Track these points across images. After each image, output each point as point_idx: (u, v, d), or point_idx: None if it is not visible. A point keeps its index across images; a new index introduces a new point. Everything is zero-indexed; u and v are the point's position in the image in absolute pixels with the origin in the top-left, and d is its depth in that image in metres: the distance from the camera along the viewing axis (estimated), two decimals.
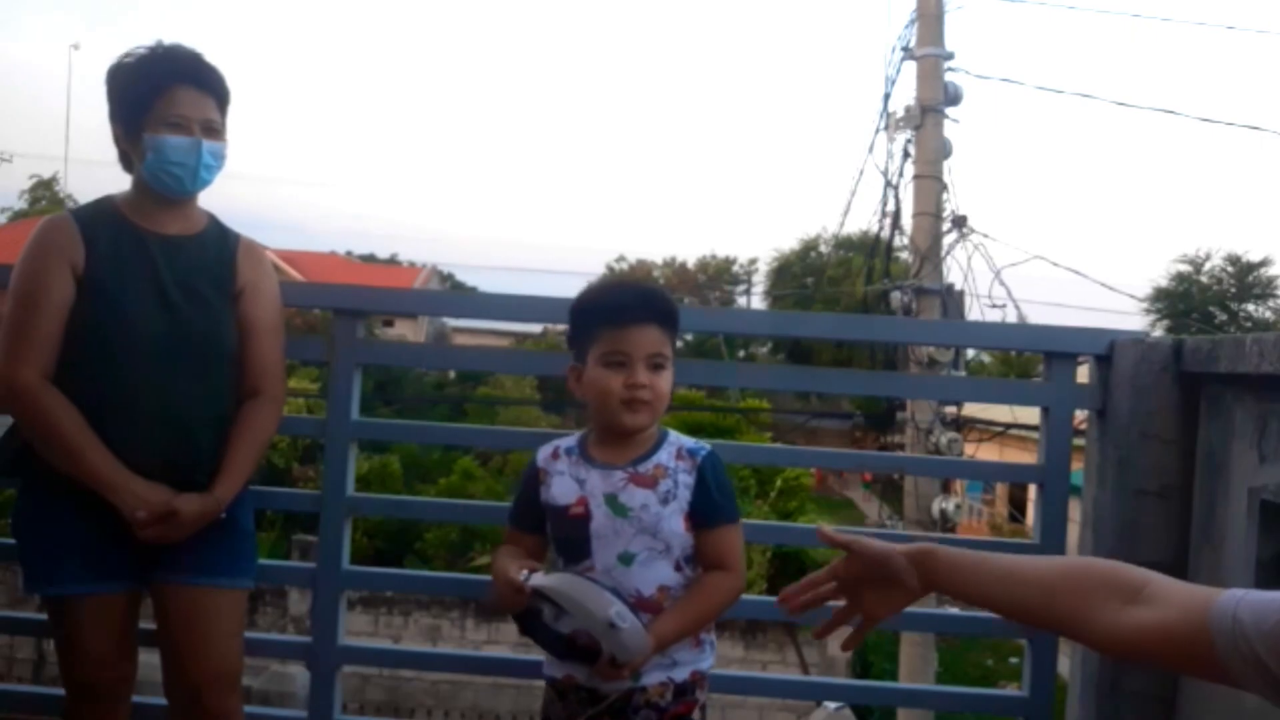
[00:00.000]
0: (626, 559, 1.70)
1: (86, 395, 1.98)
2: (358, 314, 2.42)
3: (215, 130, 2.09)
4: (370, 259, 46.89)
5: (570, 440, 1.83)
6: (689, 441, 1.76)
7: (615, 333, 1.71)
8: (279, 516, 14.71)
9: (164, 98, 2.04)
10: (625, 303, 1.75)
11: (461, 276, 44.67)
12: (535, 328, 32.66)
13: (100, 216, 2.09)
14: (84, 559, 2.02)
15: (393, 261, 46.96)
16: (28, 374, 1.97)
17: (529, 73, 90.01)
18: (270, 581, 2.76)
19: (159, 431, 2.01)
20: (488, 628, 13.75)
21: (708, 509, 1.72)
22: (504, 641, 13.58)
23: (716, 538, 1.73)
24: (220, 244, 2.15)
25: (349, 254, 46.17)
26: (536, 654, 1.82)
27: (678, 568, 1.72)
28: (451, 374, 24.32)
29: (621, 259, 44.49)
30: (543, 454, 1.81)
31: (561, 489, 1.75)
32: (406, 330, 31.51)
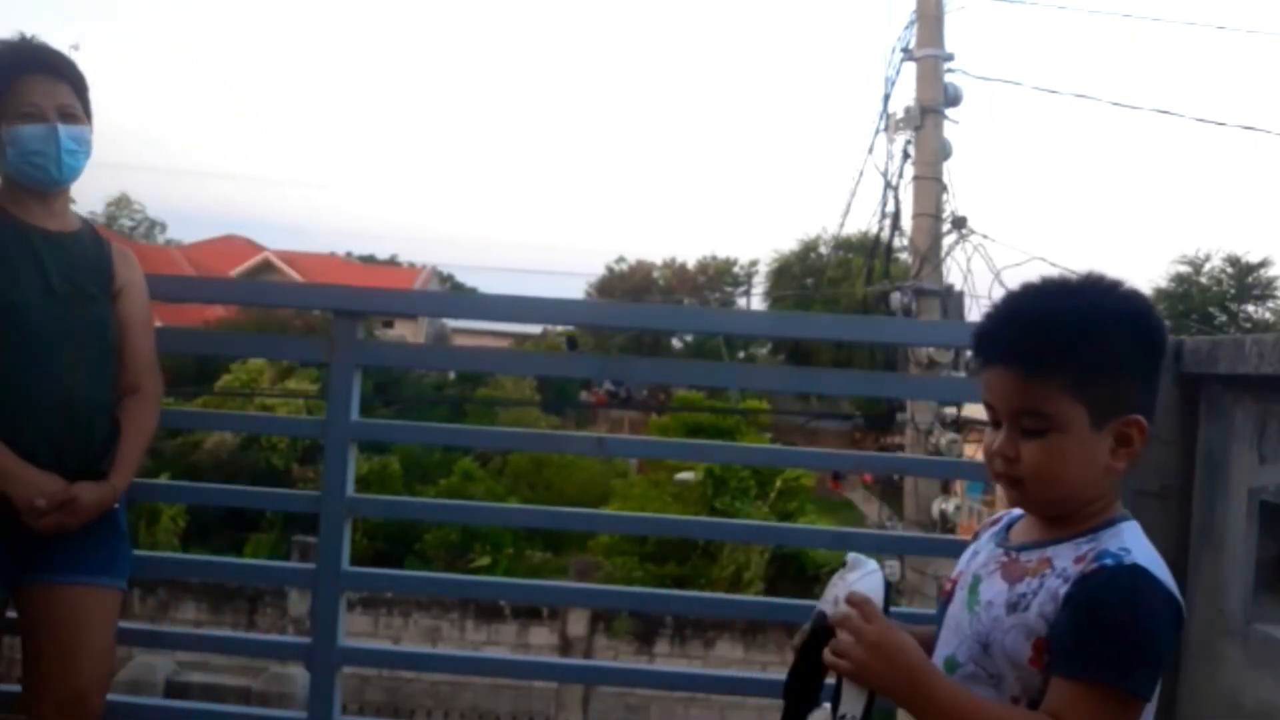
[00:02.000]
0: (950, 666, 1.27)
1: None
2: (357, 315, 2.42)
3: (73, 115, 2.08)
4: (370, 260, 46.93)
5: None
6: (1117, 544, 1.20)
7: (981, 375, 1.28)
8: (279, 517, 14.73)
9: (14, 90, 2.03)
10: (980, 332, 1.28)
11: (461, 277, 44.71)
12: (535, 329, 32.69)
13: None
14: None
15: (392, 262, 46.98)
16: None
17: (529, 73, 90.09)
18: (270, 582, 2.76)
19: (52, 420, 2.01)
20: (487, 628, 13.77)
21: (1063, 646, 1.16)
22: (503, 643, 13.60)
23: (1060, 695, 1.15)
24: (97, 244, 2.17)
25: (349, 255, 46.22)
26: (534, 655, 1.81)
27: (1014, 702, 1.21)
28: (451, 375, 24.33)
29: (621, 260, 44.52)
30: (988, 519, 1.45)
31: (963, 558, 1.38)
32: (406, 331, 31.54)
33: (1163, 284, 33.26)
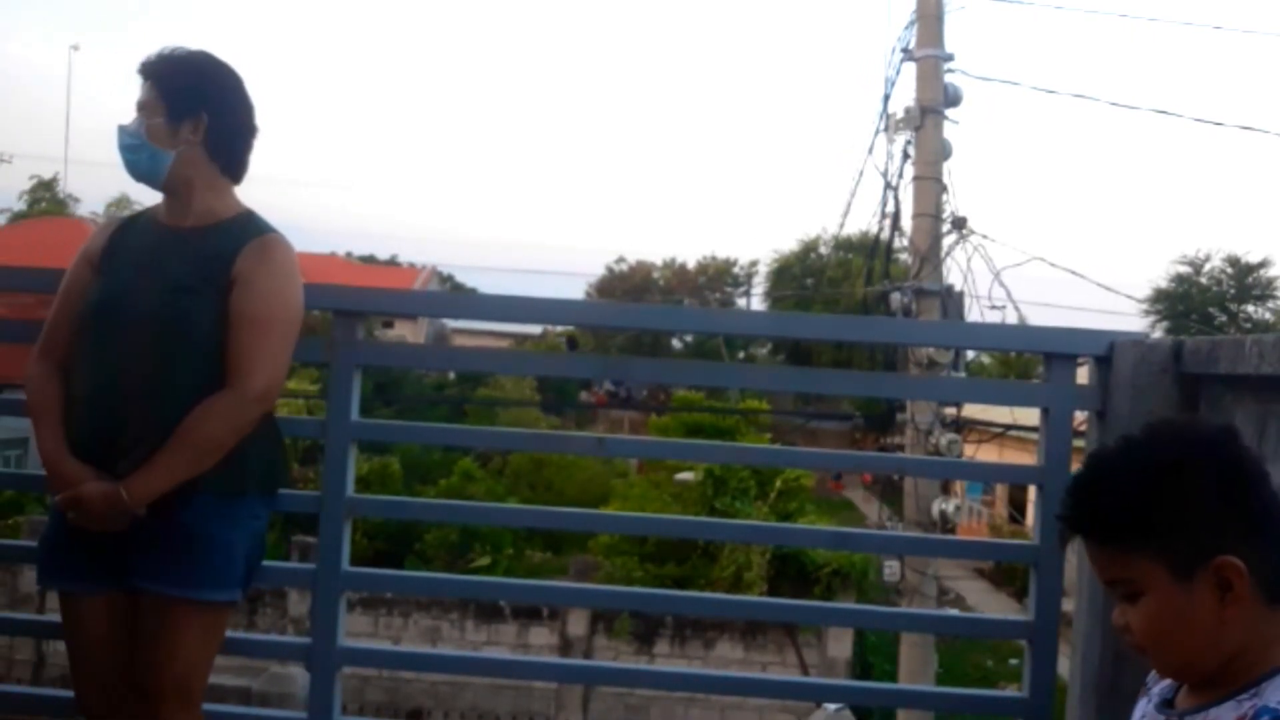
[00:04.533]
0: None
1: (69, 379, 2.07)
2: (357, 315, 2.41)
3: (142, 109, 2.10)
4: (370, 260, 46.92)
5: None
6: (1276, 698, 1.12)
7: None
8: (279, 517, 14.72)
9: None
10: (1061, 506, 1.26)
11: (461, 278, 44.71)
12: (535, 329, 32.70)
13: (141, 216, 2.20)
14: (68, 556, 2.03)
15: (392, 262, 46.98)
16: (33, 364, 2.09)
17: (529, 73, 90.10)
18: (270, 583, 2.76)
19: (91, 410, 2.02)
20: (487, 628, 13.77)
21: None
22: (503, 643, 13.60)
23: None
24: (231, 236, 2.09)
25: (349, 255, 46.21)
26: (534, 655, 1.80)
27: None
28: (451, 375, 24.33)
29: (621, 260, 44.53)
30: None
31: (1135, 716, 1.33)
32: (406, 331, 31.55)
33: (1163, 284, 33.27)
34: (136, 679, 2.03)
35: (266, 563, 2.28)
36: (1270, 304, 32.86)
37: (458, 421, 19.57)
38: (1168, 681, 1.28)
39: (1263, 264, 32.76)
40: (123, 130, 2.10)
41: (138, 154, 2.09)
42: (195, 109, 2.09)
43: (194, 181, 2.10)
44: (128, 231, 2.15)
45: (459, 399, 22.26)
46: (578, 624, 13.61)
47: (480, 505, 3.15)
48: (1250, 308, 32.82)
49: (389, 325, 30.61)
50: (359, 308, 2.42)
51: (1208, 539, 1.15)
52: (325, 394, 2.39)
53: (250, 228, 2.12)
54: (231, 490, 2.05)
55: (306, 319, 2.18)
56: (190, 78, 2.11)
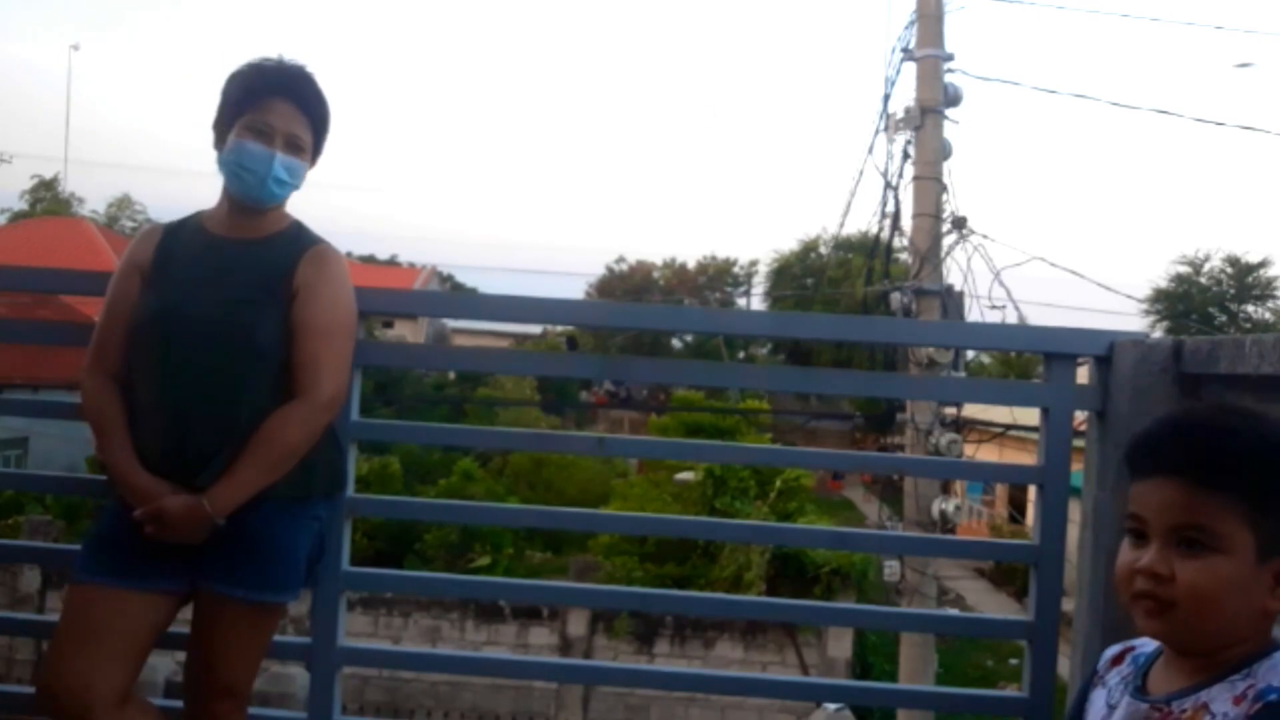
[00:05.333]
0: None
1: (129, 391, 2.06)
2: (360, 315, 2.41)
3: (299, 148, 2.11)
4: (370, 260, 46.96)
5: (1151, 644, 1.26)
6: (1275, 679, 1.10)
7: (1134, 487, 1.20)
8: None
9: (258, 106, 2.08)
10: (1143, 439, 1.21)
11: (461, 277, 44.81)
12: (535, 329, 32.72)
13: (185, 224, 2.16)
14: (128, 555, 2.00)
15: (392, 263, 47.00)
16: (88, 376, 2.07)
17: (531, 73, 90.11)
18: None
19: (157, 422, 2.01)
20: (487, 628, 13.77)
21: None
22: (503, 643, 13.60)
23: None
24: (287, 247, 2.12)
25: (349, 255, 46.12)
26: (534, 655, 1.79)
27: None
28: (451, 375, 24.33)
29: (621, 260, 44.57)
30: (1108, 652, 1.33)
31: (1094, 710, 1.28)
32: (406, 331, 31.56)
33: (1162, 284, 33.30)
34: (189, 678, 2.06)
35: None
36: (1270, 304, 32.94)
37: (458, 421, 19.58)
38: (1125, 669, 1.26)
39: (1262, 264, 32.87)
40: (293, 167, 2.10)
41: (284, 189, 2.11)
42: (319, 151, 2.18)
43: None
44: (174, 240, 2.12)
45: (459, 399, 22.26)
46: (578, 624, 13.61)
47: (480, 505, 3.14)
48: (1250, 307, 32.88)
49: (389, 325, 30.61)
50: (359, 308, 2.41)
51: None
52: None
53: (303, 238, 2.16)
54: (299, 495, 2.09)
55: None
56: (328, 116, 2.16)
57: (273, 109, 2.08)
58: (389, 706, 12.94)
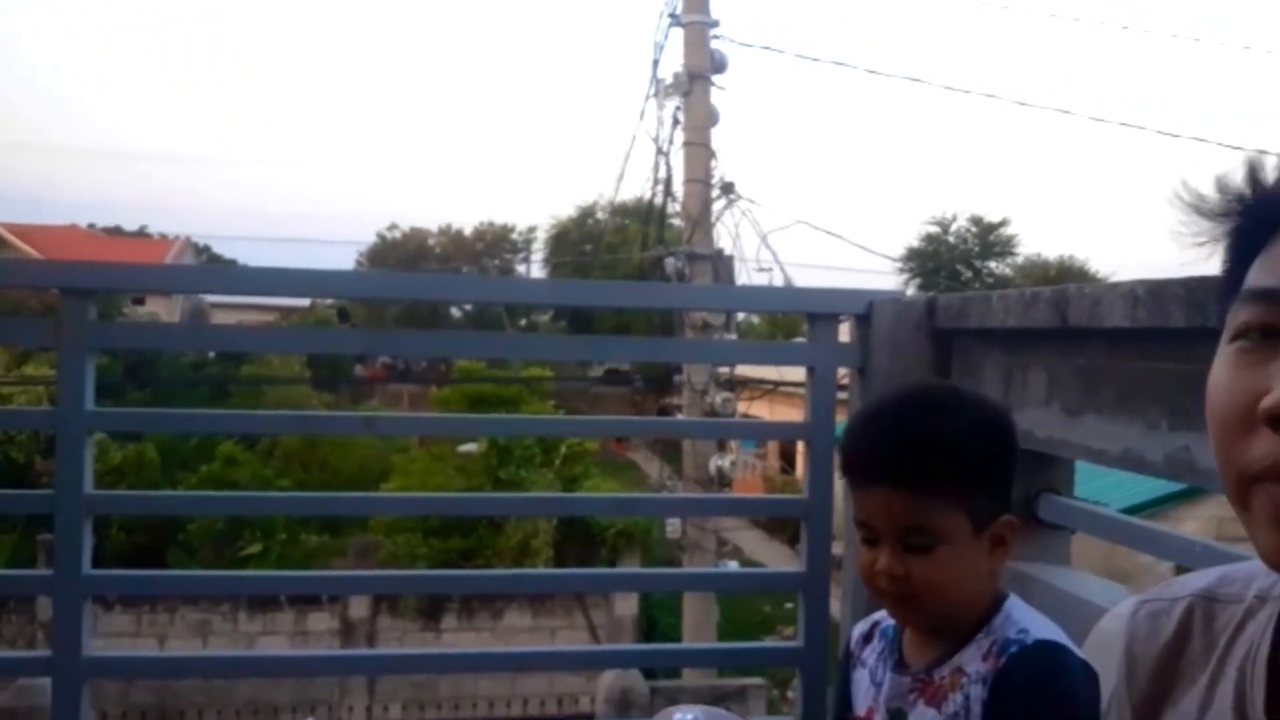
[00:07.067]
0: None
1: None
2: (88, 293, 2.18)
3: None
4: (116, 231, 43.46)
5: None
6: (1014, 628, 1.20)
7: (855, 496, 1.26)
8: (21, 518, 13.47)
9: None
10: (854, 454, 1.27)
11: (219, 248, 42.11)
12: (303, 301, 31.29)
13: None
14: None
15: (142, 234, 43.74)
16: None
17: (297, 33, 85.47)
18: (4, 590, 2.48)
19: None
20: (262, 618, 13.15)
21: None
22: (281, 632, 13.04)
23: None
24: None
25: (91, 226, 42.59)
26: (313, 642, 1.68)
27: None
28: (211, 353, 22.92)
29: (394, 227, 43.28)
30: (856, 631, 1.38)
31: (860, 690, 1.33)
32: (160, 309, 29.44)
33: (915, 243, 35.74)
34: None
35: None
36: (1009, 259, 36.07)
37: (222, 402, 18.48)
38: (877, 644, 1.33)
39: (1002, 223, 35.96)
40: None
41: None
42: None
43: None
44: None
45: (220, 379, 21.00)
46: (359, 606, 13.22)
47: (241, 495, 2.94)
48: (992, 263, 35.90)
49: (140, 302, 28.48)
50: (91, 284, 2.19)
51: (998, 499, 1.23)
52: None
53: None
54: None
55: (45, 298, 1.95)
56: None
57: None
58: (156, 709, 12.13)
